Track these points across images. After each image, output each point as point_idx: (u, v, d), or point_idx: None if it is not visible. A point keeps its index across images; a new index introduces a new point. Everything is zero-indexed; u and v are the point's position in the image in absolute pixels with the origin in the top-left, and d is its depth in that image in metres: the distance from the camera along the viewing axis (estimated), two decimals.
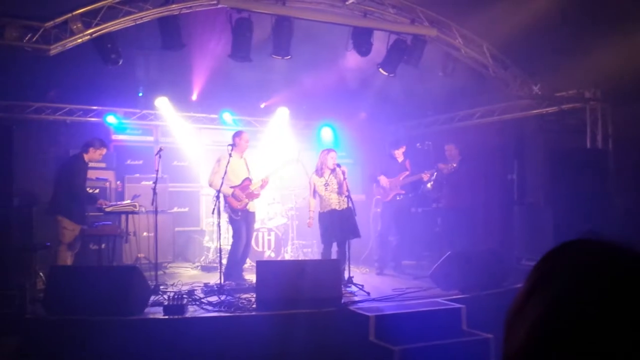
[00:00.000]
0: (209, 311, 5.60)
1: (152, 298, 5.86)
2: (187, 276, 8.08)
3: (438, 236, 8.70)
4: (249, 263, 7.74)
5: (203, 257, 8.99)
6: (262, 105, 10.55)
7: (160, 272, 7.18)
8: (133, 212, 7.11)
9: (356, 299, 6.24)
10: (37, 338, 5.06)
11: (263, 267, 5.88)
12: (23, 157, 7.45)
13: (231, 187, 7.09)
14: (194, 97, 9.98)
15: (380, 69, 7.40)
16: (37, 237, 6.75)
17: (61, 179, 6.68)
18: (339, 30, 7.13)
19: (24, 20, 6.07)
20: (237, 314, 5.51)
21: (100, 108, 9.49)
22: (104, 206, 6.95)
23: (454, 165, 8.21)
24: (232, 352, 5.09)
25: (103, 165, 8.48)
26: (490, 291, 6.42)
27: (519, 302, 0.73)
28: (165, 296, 5.81)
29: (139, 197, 7.42)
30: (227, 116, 10.29)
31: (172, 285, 6.94)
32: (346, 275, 6.80)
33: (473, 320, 5.63)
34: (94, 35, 6.20)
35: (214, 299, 5.99)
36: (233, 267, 7.12)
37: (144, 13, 6.29)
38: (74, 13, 6.12)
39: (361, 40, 7.00)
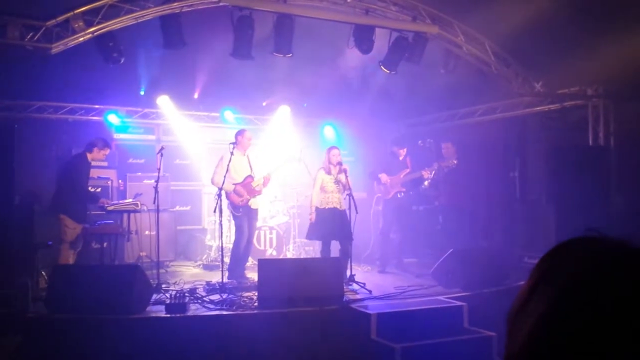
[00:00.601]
0: (210, 309, 5.59)
1: (154, 296, 5.86)
2: (189, 275, 8.09)
3: (439, 234, 8.70)
4: (251, 261, 7.75)
5: (205, 256, 8.99)
6: (264, 104, 10.54)
7: (162, 271, 7.18)
8: (135, 211, 7.12)
9: (358, 297, 6.24)
10: (39, 337, 5.06)
11: (265, 265, 5.88)
12: (25, 156, 7.47)
13: (233, 184, 7.12)
14: (196, 95, 9.98)
15: (382, 67, 7.39)
16: (39, 235, 6.75)
17: (64, 178, 6.69)
18: (340, 27, 7.12)
19: (26, 19, 6.07)
20: (239, 312, 5.51)
21: (102, 107, 9.49)
22: (106, 205, 6.96)
23: (455, 162, 8.20)
24: (234, 350, 5.10)
25: (105, 163, 8.49)
26: (492, 289, 6.42)
27: (522, 299, 0.73)
28: (167, 295, 5.82)
29: (140, 195, 7.41)
30: (228, 114, 10.29)
31: (174, 283, 6.95)
32: (348, 274, 6.80)
33: (475, 318, 5.64)
34: (95, 33, 6.20)
35: (215, 297, 5.99)
36: (235, 263, 7.15)
37: (145, 11, 6.29)
38: (76, 11, 6.12)
39: (363, 38, 6.99)
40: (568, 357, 0.65)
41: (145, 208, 7.15)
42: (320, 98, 10.30)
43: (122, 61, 6.48)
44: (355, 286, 6.65)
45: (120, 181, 8.81)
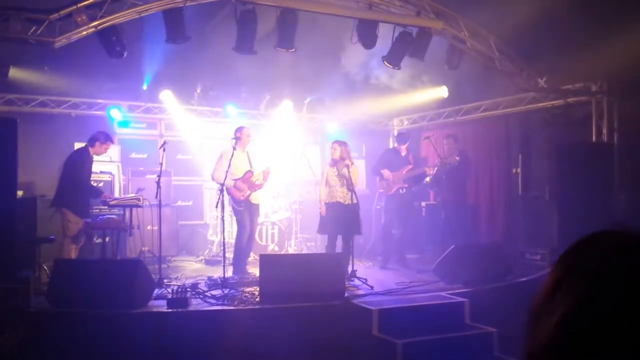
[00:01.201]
0: (212, 305, 5.60)
1: (156, 291, 5.87)
2: (190, 270, 8.10)
3: (441, 230, 8.69)
4: (253, 257, 7.75)
5: (207, 251, 9.00)
6: (267, 98, 10.52)
7: (164, 266, 7.19)
8: (137, 206, 7.12)
9: (359, 292, 6.23)
10: (41, 331, 5.07)
11: (267, 261, 5.88)
12: (27, 151, 7.47)
13: (233, 179, 7.14)
14: (198, 90, 9.97)
15: (385, 62, 7.35)
16: (42, 230, 6.76)
17: (66, 173, 6.68)
18: (344, 22, 7.09)
19: (28, 13, 6.05)
20: (241, 307, 5.51)
21: (104, 101, 9.49)
22: (108, 199, 6.96)
23: (457, 158, 8.19)
24: (236, 345, 5.10)
25: (107, 158, 8.49)
26: (494, 285, 6.41)
27: (544, 296, 0.72)
28: (169, 289, 5.82)
29: (143, 190, 7.41)
30: (231, 109, 10.28)
31: (176, 278, 6.96)
32: (349, 269, 6.79)
33: (476, 314, 5.63)
34: (98, 27, 6.17)
35: (217, 292, 5.99)
36: (239, 258, 7.18)
37: (148, 5, 6.26)
38: (79, 5, 6.09)
39: (366, 33, 6.95)
40: (598, 352, 0.64)
41: (147, 203, 7.14)
42: (322, 93, 10.29)
43: (125, 55, 6.46)
44: (357, 282, 6.65)
45: (122, 176, 8.83)
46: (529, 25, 6.80)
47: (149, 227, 8.01)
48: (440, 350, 5.10)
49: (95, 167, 7.44)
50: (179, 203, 9.76)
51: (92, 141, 6.86)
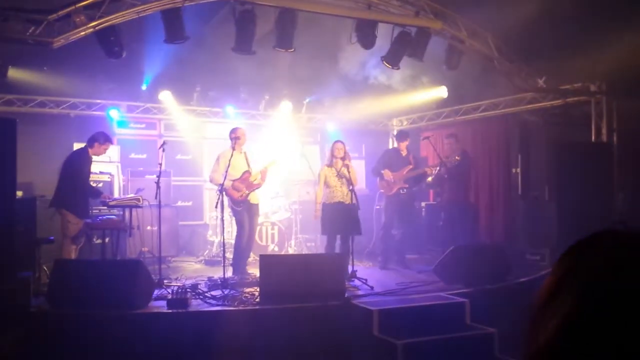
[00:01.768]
0: (212, 305, 5.59)
1: (156, 292, 5.86)
2: (190, 270, 8.09)
3: (442, 230, 8.69)
4: (253, 257, 7.75)
5: (207, 251, 8.99)
6: (266, 98, 10.51)
7: (164, 266, 7.18)
8: (137, 206, 7.10)
9: (360, 293, 6.22)
10: (40, 331, 5.06)
11: (267, 261, 5.87)
12: (27, 151, 7.45)
13: (231, 180, 7.15)
14: (198, 90, 9.97)
15: (384, 62, 7.35)
16: (41, 231, 6.75)
17: (66, 173, 6.67)
18: (343, 22, 7.09)
19: (27, 13, 6.04)
20: (241, 308, 5.50)
21: (103, 102, 9.48)
22: (107, 200, 6.95)
23: (457, 158, 8.19)
24: (236, 346, 5.09)
25: (107, 159, 8.48)
26: (494, 285, 6.41)
27: (545, 297, 0.71)
28: (169, 290, 5.81)
29: (142, 190, 7.40)
30: (230, 110, 10.28)
31: (176, 279, 6.96)
32: (350, 270, 6.79)
33: (477, 314, 5.62)
34: (97, 28, 6.16)
35: (217, 293, 5.99)
36: (238, 258, 7.18)
37: (147, 5, 6.25)
38: (77, 6, 6.09)
39: (365, 33, 6.95)
40: (599, 354, 0.63)
41: (147, 203, 7.13)
42: (321, 94, 10.29)
43: (123, 55, 6.46)
44: (357, 282, 6.64)
45: (122, 176, 8.82)
46: (528, 26, 6.80)
47: (148, 228, 8.00)
48: (440, 350, 5.09)
49: (95, 168, 7.43)
50: (179, 203, 9.75)
51: (91, 142, 6.85)
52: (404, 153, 8.29)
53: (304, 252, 8.82)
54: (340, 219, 7.05)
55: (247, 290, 6.15)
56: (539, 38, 7.46)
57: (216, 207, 6.86)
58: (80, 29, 6.12)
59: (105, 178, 8.35)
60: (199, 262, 8.87)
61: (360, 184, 9.14)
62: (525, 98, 8.79)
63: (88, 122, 9.03)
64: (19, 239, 5.96)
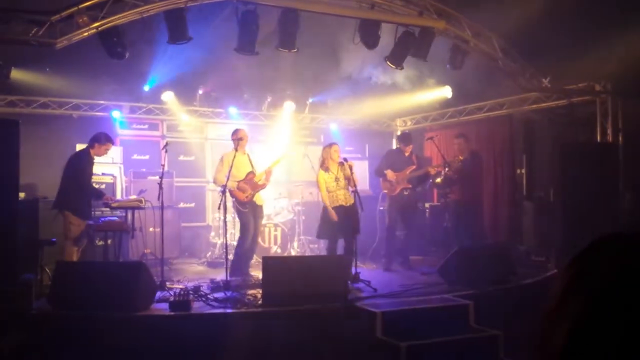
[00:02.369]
0: (214, 307, 5.55)
1: (158, 294, 5.83)
2: (193, 272, 8.06)
3: (446, 231, 8.64)
4: (256, 259, 7.72)
5: (209, 253, 8.96)
6: (269, 99, 10.49)
7: (166, 268, 7.15)
8: (139, 208, 7.09)
9: (363, 295, 6.18)
10: (43, 333, 5.04)
11: (269, 263, 5.84)
12: (29, 152, 7.43)
13: (236, 181, 7.14)
14: (200, 91, 9.95)
15: (388, 62, 7.31)
16: (43, 232, 6.74)
17: (68, 175, 6.66)
18: (346, 22, 7.06)
19: (30, 15, 6.03)
20: (243, 310, 5.46)
21: (106, 102, 9.48)
22: (110, 201, 6.93)
23: (461, 158, 8.15)
24: (238, 348, 5.06)
25: (109, 160, 8.47)
26: (499, 287, 6.36)
27: (555, 302, 0.71)
28: (171, 292, 5.78)
29: (145, 192, 7.39)
30: (233, 110, 10.26)
31: (178, 281, 6.93)
32: (353, 272, 6.75)
33: (481, 316, 5.58)
34: (100, 28, 6.15)
35: (220, 295, 5.96)
36: (239, 261, 7.14)
37: (150, 6, 6.24)
38: (80, 6, 6.07)
39: (368, 33, 6.91)
40: (611, 357, 0.63)
41: (149, 205, 7.11)
42: (324, 94, 10.26)
43: (126, 56, 6.44)
44: (360, 284, 6.60)
45: (124, 177, 8.81)
46: (533, 25, 6.76)
47: (151, 229, 7.98)
48: (444, 352, 5.05)
49: (97, 169, 7.41)
50: (181, 205, 9.73)
51: (92, 142, 6.84)
52: (407, 153, 8.26)
53: (307, 254, 8.78)
54: (339, 223, 6.99)
55: (250, 292, 6.12)
56: (543, 38, 7.41)
57: (219, 208, 6.84)
58: (83, 29, 6.11)
59: (108, 179, 8.34)
60: (202, 264, 8.84)
61: (364, 185, 9.10)
62: (530, 98, 8.75)
63: (91, 123, 9.03)
64: (21, 240, 5.95)
